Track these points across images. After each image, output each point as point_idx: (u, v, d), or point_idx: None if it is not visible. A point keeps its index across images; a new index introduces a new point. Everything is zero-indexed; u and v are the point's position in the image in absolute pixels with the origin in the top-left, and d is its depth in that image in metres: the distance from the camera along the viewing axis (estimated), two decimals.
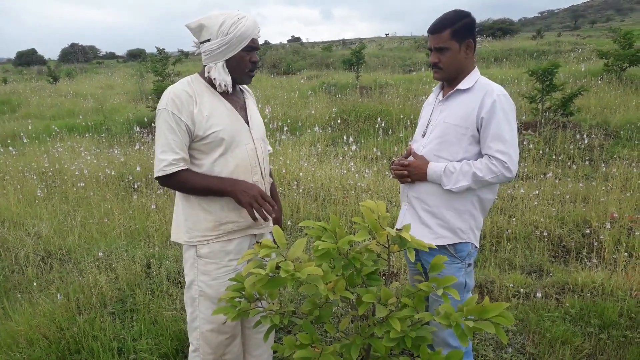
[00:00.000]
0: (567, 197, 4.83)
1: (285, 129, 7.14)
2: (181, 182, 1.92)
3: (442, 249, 2.07)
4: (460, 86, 2.05)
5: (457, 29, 2.00)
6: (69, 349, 2.77)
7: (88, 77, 25.07)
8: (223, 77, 1.92)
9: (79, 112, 12.50)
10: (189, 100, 1.89)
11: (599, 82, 11.02)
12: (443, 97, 2.14)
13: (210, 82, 1.97)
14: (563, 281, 3.45)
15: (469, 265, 2.13)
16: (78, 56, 49.39)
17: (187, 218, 2.01)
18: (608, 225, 4.04)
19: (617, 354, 2.70)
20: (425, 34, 2.12)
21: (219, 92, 1.98)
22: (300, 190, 5.17)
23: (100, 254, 3.83)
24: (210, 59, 1.92)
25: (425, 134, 2.17)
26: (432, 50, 2.07)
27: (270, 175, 2.21)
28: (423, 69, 17.33)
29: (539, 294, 3.18)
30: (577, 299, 3.17)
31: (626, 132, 7.29)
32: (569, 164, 6.03)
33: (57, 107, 14.11)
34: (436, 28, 2.03)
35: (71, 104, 14.33)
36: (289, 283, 1.42)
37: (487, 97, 1.97)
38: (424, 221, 2.12)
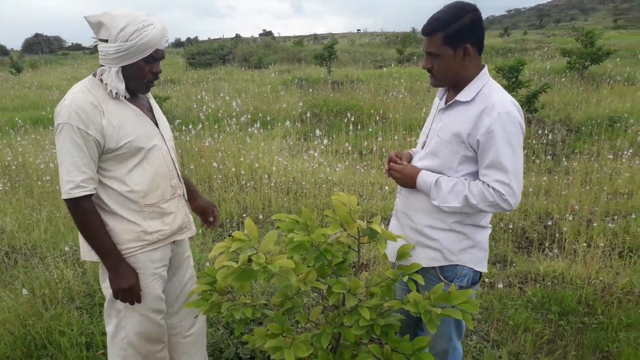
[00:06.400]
0: (531, 190, 5.00)
1: (257, 125, 7.11)
2: (82, 214, 1.75)
3: (430, 269, 1.84)
4: (460, 97, 1.74)
5: (450, 34, 1.67)
6: (35, 345, 2.72)
7: (53, 69, 24.32)
8: (115, 84, 1.75)
9: (44, 105, 12.13)
10: (95, 112, 1.71)
11: (562, 79, 11.36)
12: (446, 103, 1.84)
13: None
14: (526, 271, 3.58)
15: (461, 288, 1.82)
16: (42, 47, 47.77)
17: None
18: (569, 217, 4.20)
19: (575, 339, 2.83)
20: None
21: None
22: (272, 184, 5.18)
23: (67, 248, 3.77)
24: (105, 61, 1.75)
25: (424, 144, 1.90)
26: (425, 54, 1.78)
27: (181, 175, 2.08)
28: (392, 65, 17.50)
29: (500, 285, 3.29)
30: (539, 288, 3.30)
31: (587, 127, 7.56)
32: (532, 158, 6.22)
33: (20, 99, 13.65)
34: (427, 30, 1.71)
35: (35, 96, 13.89)
36: (260, 275, 1.44)
37: (486, 115, 1.65)
38: (409, 239, 1.87)
